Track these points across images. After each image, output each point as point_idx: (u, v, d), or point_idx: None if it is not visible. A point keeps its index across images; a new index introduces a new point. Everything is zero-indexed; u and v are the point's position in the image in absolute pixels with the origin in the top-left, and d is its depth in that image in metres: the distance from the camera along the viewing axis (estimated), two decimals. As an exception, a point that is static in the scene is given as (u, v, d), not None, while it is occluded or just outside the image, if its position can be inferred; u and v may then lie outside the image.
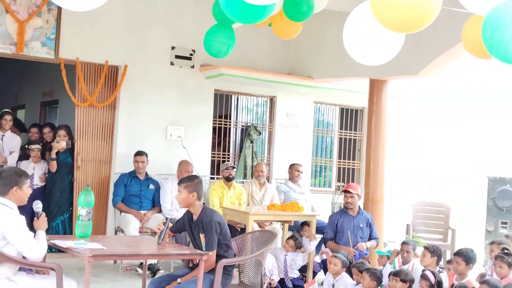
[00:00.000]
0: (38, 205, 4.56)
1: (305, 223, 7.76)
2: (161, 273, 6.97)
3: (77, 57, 7.84)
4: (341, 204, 8.36)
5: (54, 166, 7.74)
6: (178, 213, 7.43)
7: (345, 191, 7.32)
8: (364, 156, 9.16)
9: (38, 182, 7.81)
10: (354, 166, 10.36)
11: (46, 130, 8.27)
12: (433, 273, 5.41)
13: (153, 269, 7.10)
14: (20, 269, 4.38)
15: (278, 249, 7.33)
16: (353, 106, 10.27)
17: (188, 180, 5.07)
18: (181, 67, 8.58)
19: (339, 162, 10.27)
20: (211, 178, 8.84)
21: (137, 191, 7.80)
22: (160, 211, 7.82)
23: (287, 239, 7.36)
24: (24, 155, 8.03)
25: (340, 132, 10.28)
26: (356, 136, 10.38)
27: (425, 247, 6.22)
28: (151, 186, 7.90)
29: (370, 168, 8.39)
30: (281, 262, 7.18)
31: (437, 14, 3.36)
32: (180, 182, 5.09)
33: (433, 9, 3.33)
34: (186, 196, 4.99)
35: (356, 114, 10.38)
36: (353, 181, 10.04)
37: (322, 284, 6.76)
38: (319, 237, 7.88)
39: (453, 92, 11.38)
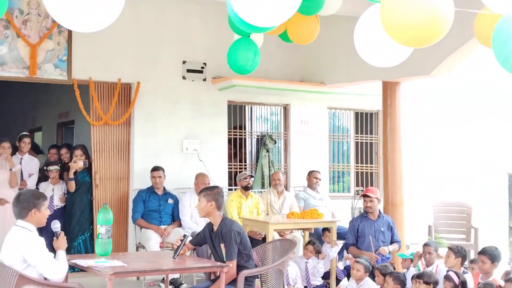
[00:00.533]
0: (56, 225, 4.58)
1: (327, 229, 7.74)
2: (184, 287, 6.97)
3: (90, 77, 7.90)
4: (361, 208, 8.32)
5: (72, 186, 7.80)
6: (198, 226, 7.46)
7: (365, 196, 7.28)
8: (381, 159, 9.10)
9: (58, 203, 7.87)
10: (372, 169, 10.30)
11: (63, 151, 8.34)
12: (456, 273, 5.35)
13: (176, 284, 7.10)
14: (42, 291, 4.39)
15: (299, 257, 7.30)
16: (368, 109, 10.22)
17: (208, 189, 5.13)
18: (193, 80, 8.62)
19: (356, 166, 10.22)
20: (229, 189, 8.84)
21: (156, 206, 7.82)
22: (180, 225, 7.83)
23: (306, 245, 7.33)
24: (43, 176, 8.10)
25: (356, 137, 10.23)
26: (372, 140, 10.33)
27: (449, 248, 6.14)
28: (170, 201, 7.92)
29: (388, 171, 8.34)
30: (302, 270, 7.15)
31: (446, 31, 3.34)
32: (200, 191, 5.15)
33: (443, 27, 3.29)
34: (205, 205, 5.02)
35: (371, 117, 10.33)
36: (371, 185, 9.98)
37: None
38: (340, 243, 7.84)
39: (463, 90, 11.28)
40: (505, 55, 3.42)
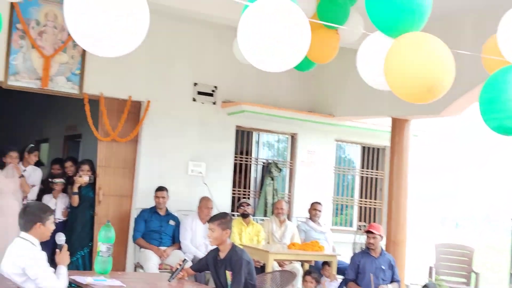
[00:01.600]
0: (61, 238, 4.53)
1: (326, 263, 7.67)
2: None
3: (101, 92, 7.92)
4: (363, 244, 8.26)
5: (76, 200, 7.76)
6: (198, 251, 7.42)
7: (367, 232, 7.22)
8: (386, 195, 9.05)
9: (60, 216, 7.82)
10: (376, 205, 10.24)
11: (68, 164, 8.32)
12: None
13: (171, 307, 7.02)
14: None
15: (300, 289, 7.23)
16: (375, 144, 10.21)
17: (221, 218, 5.07)
18: (203, 103, 8.63)
19: (360, 201, 10.17)
20: (232, 215, 8.78)
21: (157, 226, 7.77)
22: (179, 247, 7.77)
23: (304, 275, 7.25)
24: (47, 189, 8.07)
25: (361, 171, 10.20)
26: (378, 175, 10.29)
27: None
28: (171, 222, 7.88)
29: (392, 208, 8.28)
30: None
31: (449, 87, 3.36)
32: (212, 220, 5.07)
33: (446, 82, 3.31)
34: (220, 234, 4.98)
35: (378, 153, 10.31)
36: (374, 220, 9.93)
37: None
38: (340, 277, 7.76)
39: (472, 130, 11.27)
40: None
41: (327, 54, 5.11)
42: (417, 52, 3.26)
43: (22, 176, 7.22)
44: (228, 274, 4.91)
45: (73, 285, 6.91)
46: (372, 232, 7.15)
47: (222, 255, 5.03)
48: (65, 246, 4.50)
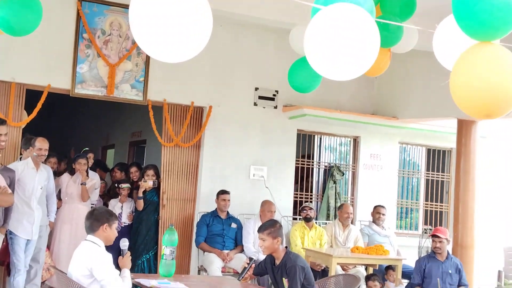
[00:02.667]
0: (124, 243, 4.63)
1: (390, 267, 7.56)
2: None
3: (164, 99, 8.06)
4: (428, 248, 8.08)
5: (141, 204, 7.92)
6: (262, 255, 7.43)
7: (434, 236, 7.07)
8: (452, 198, 8.83)
9: (126, 220, 8.00)
10: (442, 208, 10.01)
11: (133, 169, 8.49)
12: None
13: (235, 310, 7.06)
14: (106, 307, 4.44)
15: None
16: (441, 147, 9.98)
17: (270, 227, 5.04)
18: (264, 107, 8.66)
19: (426, 204, 9.96)
20: (294, 218, 8.78)
21: (220, 230, 7.84)
22: (242, 250, 7.81)
23: (368, 280, 7.15)
24: (114, 194, 8.27)
25: (426, 174, 9.99)
26: (444, 178, 10.06)
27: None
28: (233, 225, 7.93)
29: (459, 211, 8.07)
30: None
31: None
32: (261, 230, 5.05)
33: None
34: (271, 243, 4.97)
35: (444, 155, 10.07)
36: (440, 224, 9.71)
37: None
38: (405, 282, 7.62)
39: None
40: None
41: (378, 70, 5.12)
42: (484, 67, 3.13)
43: (83, 183, 7.42)
44: (285, 281, 4.89)
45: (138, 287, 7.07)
46: (438, 236, 7.00)
47: (277, 261, 5.02)
48: (128, 252, 4.58)
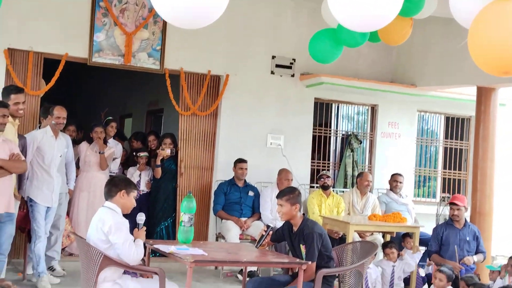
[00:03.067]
0: (141, 217, 4.65)
1: (407, 235, 7.57)
2: (260, 280, 6.99)
3: (181, 67, 8.05)
4: (446, 216, 8.08)
5: (159, 172, 7.97)
6: (279, 222, 7.47)
7: (452, 203, 7.05)
8: (471, 166, 8.79)
9: (144, 188, 8.07)
10: (460, 176, 9.97)
11: (151, 138, 8.53)
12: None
13: (252, 276, 7.12)
14: (124, 273, 4.50)
15: (385, 261, 7.16)
16: (459, 114, 9.90)
17: (289, 193, 5.05)
18: (281, 76, 8.61)
19: (444, 172, 9.92)
20: (311, 187, 8.80)
21: (237, 198, 7.88)
22: (259, 218, 7.87)
23: (386, 248, 7.17)
24: (132, 162, 8.33)
25: (445, 142, 9.93)
26: (462, 146, 9.99)
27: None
28: (251, 193, 7.97)
29: (478, 179, 8.04)
30: (388, 274, 7.02)
31: None
32: (280, 196, 5.07)
33: None
34: (289, 209, 4.98)
35: (463, 123, 9.99)
36: (459, 192, 9.67)
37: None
38: (422, 249, 7.64)
39: None
40: None
41: (399, 39, 5.08)
42: (502, 24, 3.08)
43: (102, 152, 7.47)
44: (302, 247, 4.92)
45: (157, 254, 7.16)
46: (456, 204, 6.98)
47: (294, 228, 5.04)
48: (144, 227, 4.61)
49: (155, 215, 7.96)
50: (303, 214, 5.17)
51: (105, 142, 7.62)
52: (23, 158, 5.82)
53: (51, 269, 6.72)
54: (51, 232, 6.62)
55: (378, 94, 9.06)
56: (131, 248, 4.30)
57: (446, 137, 9.93)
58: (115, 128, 8.09)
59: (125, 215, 4.51)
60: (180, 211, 5.13)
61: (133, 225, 4.55)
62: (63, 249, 7.19)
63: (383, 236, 8.03)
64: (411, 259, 7.17)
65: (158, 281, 4.35)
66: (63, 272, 6.80)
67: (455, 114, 9.88)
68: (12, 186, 5.81)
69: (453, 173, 9.93)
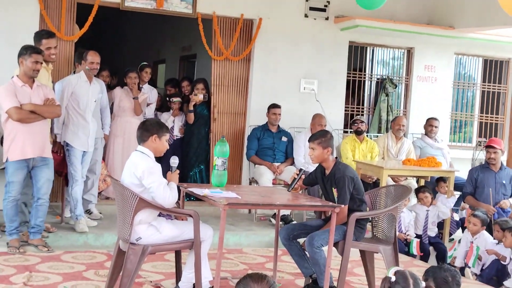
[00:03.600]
0: (174, 160, 4.67)
1: (441, 179, 7.51)
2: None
3: (214, 11, 7.96)
4: (482, 160, 7.99)
5: (191, 118, 8.01)
6: (311, 167, 7.47)
7: (488, 146, 6.96)
8: (508, 110, 8.61)
9: (177, 134, 8.14)
10: (498, 120, 9.78)
11: (185, 83, 8.54)
12: None
13: (286, 220, 7.20)
14: (159, 215, 4.57)
15: (419, 205, 7.15)
16: (498, 57, 9.64)
17: (321, 136, 5.02)
18: (315, 19, 8.46)
19: (481, 116, 9.75)
20: (345, 131, 8.74)
21: (270, 143, 7.89)
22: (292, 163, 7.87)
23: (420, 193, 7.14)
24: (165, 107, 8.37)
25: (482, 85, 9.72)
26: (500, 89, 9.77)
27: None
28: (284, 138, 7.96)
29: (515, 123, 7.88)
30: (422, 219, 7.02)
31: None
32: (312, 139, 5.04)
33: None
34: (320, 152, 4.96)
35: (501, 66, 9.74)
36: (495, 136, 9.52)
37: (459, 242, 6.54)
38: (457, 194, 7.59)
39: None
40: None
41: None
42: None
43: (136, 98, 7.50)
44: (334, 191, 4.92)
45: (192, 198, 7.26)
46: (493, 147, 6.89)
47: (327, 172, 5.03)
48: (177, 170, 4.63)
49: (189, 160, 8.04)
50: (336, 157, 5.15)
51: (139, 87, 7.65)
52: (57, 102, 5.89)
53: (88, 212, 6.88)
54: (87, 176, 6.75)
55: (415, 37, 8.85)
56: (165, 191, 4.35)
57: (483, 81, 9.72)
58: (149, 74, 8.10)
59: (158, 160, 4.56)
60: (214, 155, 5.16)
61: (167, 169, 4.59)
62: (99, 193, 7.34)
63: (417, 182, 7.99)
64: (444, 205, 7.13)
65: (192, 224, 4.41)
66: (100, 215, 6.96)
67: (493, 56, 9.63)
68: (48, 131, 5.89)
69: (490, 117, 9.75)
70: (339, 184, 4.86)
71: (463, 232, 7.03)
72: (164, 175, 4.48)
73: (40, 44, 5.98)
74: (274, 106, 7.90)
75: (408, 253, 6.72)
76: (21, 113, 5.52)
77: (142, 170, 4.32)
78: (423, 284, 2.92)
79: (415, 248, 6.72)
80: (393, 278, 2.85)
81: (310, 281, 4.96)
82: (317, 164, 5.20)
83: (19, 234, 5.78)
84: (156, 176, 4.36)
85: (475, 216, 6.14)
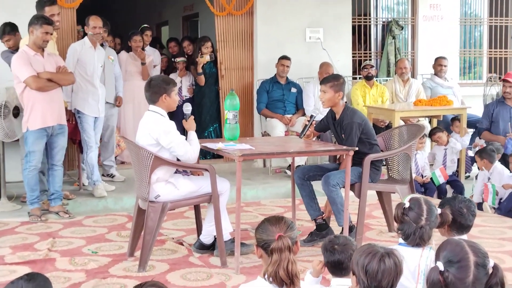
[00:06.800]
0: (188, 107, 4.68)
1: (456, 119, 7.49)
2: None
3: (212, -34, 7.86)
4: (493, 95, 7.93)
5: (202, 80, 7.98)
6: (322, 115, 7.46)
7: (504, 80, 6.91)
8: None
9: (186, 94, 8.13)
10: (507, 54, 9.67)
11: (186, 43, 8.49)
12: None
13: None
14: (176, 172, 4.60)
15: (436, 146, 7.15)
16: (504, -10, 9.49)
17: (334, 79, 4.97)
18: (316, -35, 8.34)
19: (490, 52, 9.64)
20: (353, 78, 8.69)
21: (280, 95, 7.86)
22: (303, 114, 7.86)
23: (433, 135, 7.12)
24: (173, 68, 8.34)
25: (490, 20, 9.58)
26: (508, 23, 9.62)
27: None
28: (293, 90, 7.93)
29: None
30: (440, 158, 7.04)
31: None
32: (324, 82, 4.99)
33: None
34: (332, 95, 4.92)
35: (508, -1, 9.59)
36: (506, 70, 9.42)
37: (476, 177, 6.56)
38: (470, 131, 7.57)
39: None
40: None
41: None
42: None
43: (143, 63, 7.47)
44: (343, 136, 4.91)
45: (208, 156, 7.29)
46: (508, 81, 6.84)
47: (337, 116, 5.02)
48: (192, 116, 4.65)
49: (203, 120, 8.04)
50: (345, 102, 5.13)
51: (143, 50, 7.62)
52: (69, 70, 5.89)
53: (111, 176, 6.99)
54: (106, 142, 6.83)
55: (418, -24, 8.71)
56: (186, 147, 4.39)
57: (490, 15, 9.58)
58: (150, 36, 8.05)
59: (171, 116, 4.57)
60: (225, 109, 5.15)
61: (180, 118, 4.62)
62: (115, 158, 7.40)
63: (430, 122, 7.96)
64: (458, 142, 7.13)
65: (209, 178, 4.45)
66: (123, 177, 7.05)
67: (500, -11, 9.48)
68: (62, 98, 5.91)
69: (499, 51, 9.64)
70: (346, 130, 4.85)
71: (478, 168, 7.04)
72: (179, 127, 4.50)
73: (43, 11, 5.95)
74: (284, 57, 7.83)
75: (425, 193, 6.75)
76: (40, 81, 5.53)
77: (158, 132, 4.35)
78: (438, 210, 2.95)
79: (440, 177, 6.73)
80: (407, 204, 2.88)
81: (315, 227, 5.00)
82: (326, 111, 5.18)
83: (40, 203, 5.85)
84: (173, 134, 4.38)
85: (480, 158, 6.18)
